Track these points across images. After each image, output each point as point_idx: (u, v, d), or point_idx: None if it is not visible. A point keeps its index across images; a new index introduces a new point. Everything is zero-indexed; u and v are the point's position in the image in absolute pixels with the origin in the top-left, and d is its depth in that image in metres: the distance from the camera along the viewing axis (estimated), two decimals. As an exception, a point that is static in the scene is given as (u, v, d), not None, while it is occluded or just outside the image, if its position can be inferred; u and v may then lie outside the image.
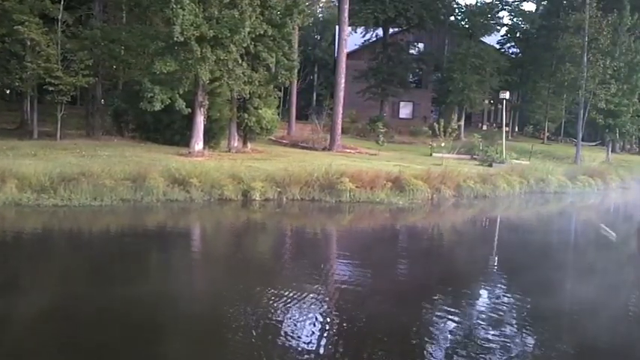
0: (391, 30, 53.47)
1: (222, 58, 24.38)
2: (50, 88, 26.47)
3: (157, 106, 24.04)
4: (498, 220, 22.32)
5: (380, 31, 53.38)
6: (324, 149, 34.59)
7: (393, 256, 14.21)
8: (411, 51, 56.12)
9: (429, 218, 21.23)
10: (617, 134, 42.14)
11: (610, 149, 43.05)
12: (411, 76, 58.40)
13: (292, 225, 18.49)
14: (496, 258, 15.03)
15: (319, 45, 70.07)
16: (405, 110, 58.24)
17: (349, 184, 21.17)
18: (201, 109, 26.17)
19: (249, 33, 24.83)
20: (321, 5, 73.84)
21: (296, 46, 38.31)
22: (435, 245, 16.91)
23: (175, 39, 22.85)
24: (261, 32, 25.97)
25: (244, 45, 25.13)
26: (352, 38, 53.33)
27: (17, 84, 28.50)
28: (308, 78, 69.59)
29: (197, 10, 23.58)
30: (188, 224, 17.53)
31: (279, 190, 20.45)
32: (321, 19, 72.81)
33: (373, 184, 21.95)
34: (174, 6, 22.66)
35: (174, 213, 18.12)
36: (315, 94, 69.70)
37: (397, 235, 17.88)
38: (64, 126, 29.17)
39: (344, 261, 13.73)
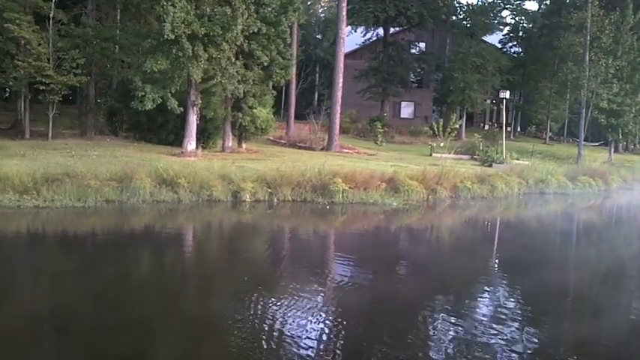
0: (392, 29, 53.15)
1: (214, 56, 23.94)
2: (41, 87, 26.15)
3: (148, 105, 23.62)
4: (492, 222, 21.75)
5: (381, 31, 53.04)
6: (322, 149, 34.18)
7: (379, 263, 13.66)
8: (412, 50, 55.71)
9: (421, 220, 20.70)
10: (620, 134, 41.57)
11: (612, 149, 42.52)
12: (412, 76, 58.17)
13: (280, 228, 17.95)
14: (484, 265, 14.44)
15: (321, 45, 69.57)
16: (406, 110, 57.84)
17: (342, 185, 20.71)
18: (194, 108, 25.76)
19: (242, 31, 24.44)
20: (322, 4, 73.34)
21: (295, 45, 37.99)
22: (425, 250, 16.27)
23: (166, 37, 22.41)
24: (255, 30, 25.58)
25: (237, 43, 24.73)
26: (353, 38, 53.11)
27: (11, 83, 28.16)
28: (309, 78, 69.19)
29: (188, 7, 23.17)
30: (170, 227, 16.85)
31: (269, 190, 20.03)
32: (322, 18, 72.37)
33: (367, 185, 21.52)
34: (165, 3, 22.26)
35: (159, 215, 17.68)
36: (316, 94, 69.28)
37: (386, 240, 17.21)
38: (58, 126, 28.93)
39: (331, 267, 13.26)
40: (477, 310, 10.19)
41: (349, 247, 15.61)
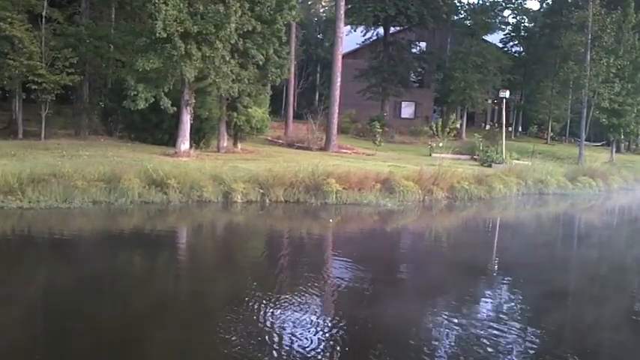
0: (393, 29, 52.79)
1: (208, 55, 23.60)
2: (33, 87, 25.86)
3: (141, 105, 23.31)
4: (486, 225, 21.33)
5: (381, 30, 52.69)
6: (319, 149, 33.85)
7: (368, 266, 13.24)
8: (413, 50, 55.18)
9: (415, 222, 20.30)
10: (622, 134, 41.16)
11: (614, 149, 42.10)
12: (413, 76, 57.77)
13: (269, 231, 17.43)
14: (476, 271, 13.95)
15: (322, 44, 69.17)
16: (407, 110, 57.48)
17: (336, 186, 20.34)
18: (188, 107, 25.43)
19: (236, 29, 24.10)
20: (323, 4, 72.94)
21: (293, 44, 37.71)
22: (416, 254, 15.89)
23: (158, 35, 22.10)
24: (250, 29, 25.25)
25: (231, 41, 24.36)
26: (353, 37, 52.77)
27: (5, 82, 27.88)
28: (310, 78, 68.88)
29: (181, 5, 22.83)
30: (154, 229, 16.33)
31: (262, 191, 19.67)
32: (324, 18, 71.96)
33: (361, 186, 21.15)
34: (157, 1, 21.92)
35: (146, 216, 17.35)
36: (317, 94, 68.87)
37: (377, 243, 16.64)
38: (52, 126, 28.69)
39: (317, 271, 12.83)
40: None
41: (337, 251, 15.27)
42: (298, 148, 34.31)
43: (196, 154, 25.27)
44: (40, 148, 23.57)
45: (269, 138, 36.94)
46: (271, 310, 9.28)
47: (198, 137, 28.24)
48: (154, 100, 23.72)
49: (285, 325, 8.74)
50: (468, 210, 22.53)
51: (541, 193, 27.06)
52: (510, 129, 53.94)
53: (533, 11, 56.03)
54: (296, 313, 9.21)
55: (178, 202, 18.28)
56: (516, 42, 57.45)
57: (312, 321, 8.95)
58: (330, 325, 8.89)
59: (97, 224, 16.13)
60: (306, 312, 9.35)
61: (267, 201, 19.50)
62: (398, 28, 53.30)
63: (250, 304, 9.49)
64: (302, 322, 8.85)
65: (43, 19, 26.60)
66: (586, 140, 39.73)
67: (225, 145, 28.15)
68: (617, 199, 29.52)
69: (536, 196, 26.67)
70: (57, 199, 16.45)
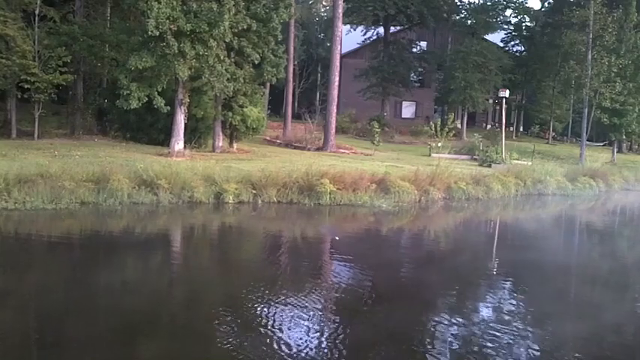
0: (393, 28, 52.54)
1: (201, 53, 23.30)
2: (26, 86, 25.61)
3: (134, 104, 23.03)
4: (482, 226, 20.90)
5: (381, 29, 52.43)
6: (317, 149, 33.57)
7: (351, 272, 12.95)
8: (414, 49, 54.91)
9: (410, 223, 19.86)
10: (623, 134, 40.79)
11: (616, 149, 41.75)
12: (414, 76, 57.51)
13: (260, 232, 16.89)
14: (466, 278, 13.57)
15: (323, 44, 68.88)
16: (408, 110, 57.29)
17: (330, 186, 20.00)
18: (182, 107, 25.15)
19: (230, 27, 23.82)
20: (324, 3, 72.65)
21: (291, 43, 37.42)
22: (409, 257, 15.52)
23: (150, 33, 21.81)
24: (245, 27, 24.99)
25: (226, 40, 24.07)
26: (353, 37, 52.61)
27: (1, 82, 27.63)
28: (311, 77, 68.63)
29: (174, 3, 22.52)
30: (140, 231, 15.93)
31: (254, 192, 19.37)
32: (324, 17, 71.66)
33: (356, 186, 20.80)
34: (149, -2, 21.66)
35: (134, 217, 16.97)
36: (318, 94, 68.61)
37: (368, 246, 16.19)
38: (47, 125, 28.44)
39: (306, 275, 12.51)
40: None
41: (327, 253, 14.96)
42: (296, 148, 34.07)
43: (191, 154, 24.97)
44: (33, 147, 23.35)
45: (267, 138, 36.75)
46: (264, 315, 9.02)
47: (194, 137, 27.95)
48: (147, 99, 23.45)
49: (279, 328, 8.49)
50: (465, 211, 22.11)
51: (540, 193, 26.69)
52: (512, 129, 53.70)
53: (535, 10, 55.71)
54: (290, 317, 8.99)
55: (168, 203, 17.95)
56: (517, 41, 57.17)
57: (305, 323, 8.76)
58: (323, 329, 8.65)
59: (84, 226, 15.73)
60: (300, 315, 9.11)
61: (260, 202, 19.20)
62: (398, 28, 53.07)
63: (242, 309, 9.24)
64: (298, 325, 8.67)
65: (37, 18, 26.32)
66: (588, 140, 39.40)
67: (220, 145, 27.87)
68: (618, 200, 29.08)
69: (535, 196, 26.29)
70: (44, 200, 16.14)
